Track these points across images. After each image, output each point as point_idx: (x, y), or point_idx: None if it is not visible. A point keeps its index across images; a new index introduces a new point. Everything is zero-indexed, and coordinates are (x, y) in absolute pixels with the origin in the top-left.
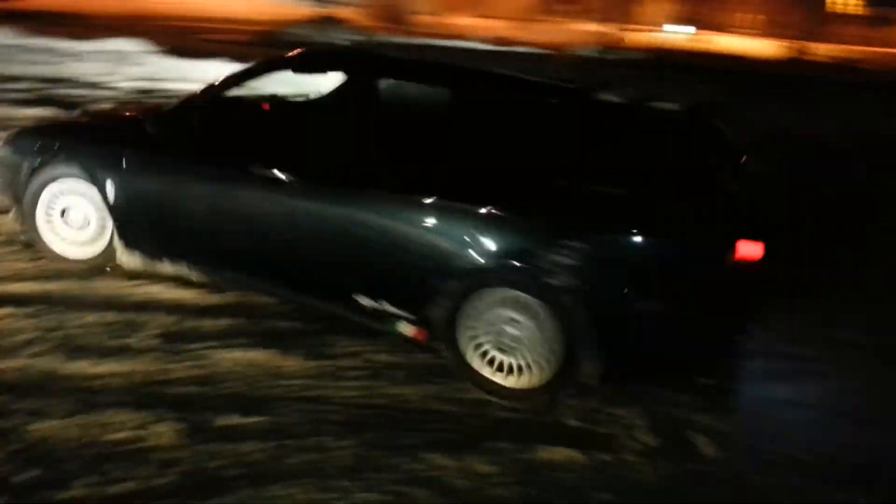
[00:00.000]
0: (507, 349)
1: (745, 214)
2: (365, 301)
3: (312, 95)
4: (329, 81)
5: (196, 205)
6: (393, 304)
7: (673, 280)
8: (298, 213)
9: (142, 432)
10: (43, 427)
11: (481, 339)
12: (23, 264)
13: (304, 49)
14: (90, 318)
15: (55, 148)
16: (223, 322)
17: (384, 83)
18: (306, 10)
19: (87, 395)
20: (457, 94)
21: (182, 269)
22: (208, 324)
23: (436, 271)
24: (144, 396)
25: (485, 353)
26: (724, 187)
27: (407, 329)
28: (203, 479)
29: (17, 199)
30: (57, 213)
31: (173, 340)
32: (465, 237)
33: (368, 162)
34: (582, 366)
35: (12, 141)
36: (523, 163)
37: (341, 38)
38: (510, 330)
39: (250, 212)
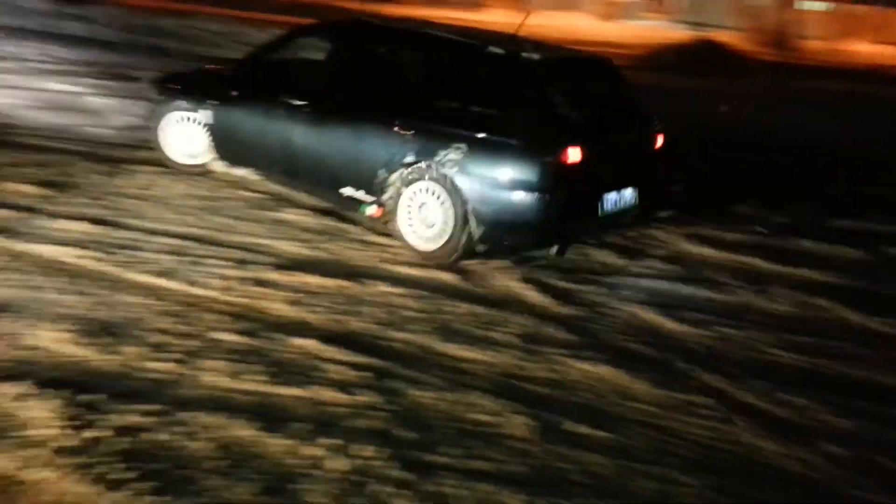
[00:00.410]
0: (426, 220)
1: (573, 130)
2: (347, 192)
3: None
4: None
5: (251, 127)
6: (362, 192)
7: (519, 172)
8: (310, 132)
9: (499, 419)
10: (419, 395)
11: (409, 211)
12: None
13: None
14: (463, 308)
15: (173, 89)
16: (575, 334)
17: (363, 46)
18: (681, 34)
19: (456, 375)
20: (406, 53)
21: (247, 172)
22: (561, 333)
23: (385, 167)
24: (503, 387)
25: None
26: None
27: (371, 209)
28: (550, 477)
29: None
30: (174, 133)
31: (530, 342)
32: (400, 145)
33: (348, 97)
34: (469, 235)
35: (153, 84)
36: (433, 96)
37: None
38: (424, 203)
39: (281, 131)
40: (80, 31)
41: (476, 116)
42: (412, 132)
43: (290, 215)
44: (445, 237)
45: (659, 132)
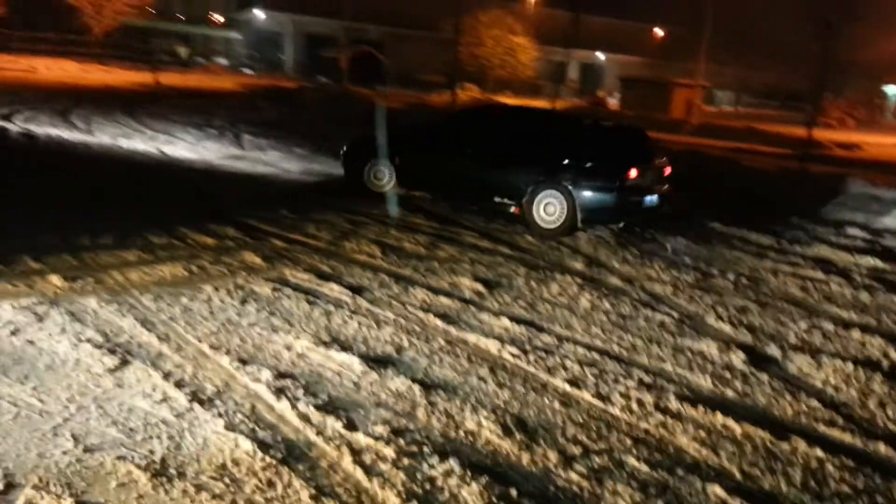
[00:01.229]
0: (549, 213)
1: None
2: (497, 199)
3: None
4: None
5: (432, 165)
6: (509, 200)
7: (607, 183)
8: (478, 167)
9: None
10: None
11: (540, 209)
12: None
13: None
14: None
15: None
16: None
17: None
18: None
19: None
20: (532, 122)
21: (422, 193)
22: None
23: (525, 186)
24: None
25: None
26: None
27: (513, 209)
28: None
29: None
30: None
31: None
32: (536, 174)
33: (500, 148)
34: (575, 220)
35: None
36: (558, 153)
37: None
38: (549, 204)
39: (457, 167)
40: None
41: (580, 154)
42: (542, 167)
43: (698, 344)
44: (560, 221)
45: (668, 164)
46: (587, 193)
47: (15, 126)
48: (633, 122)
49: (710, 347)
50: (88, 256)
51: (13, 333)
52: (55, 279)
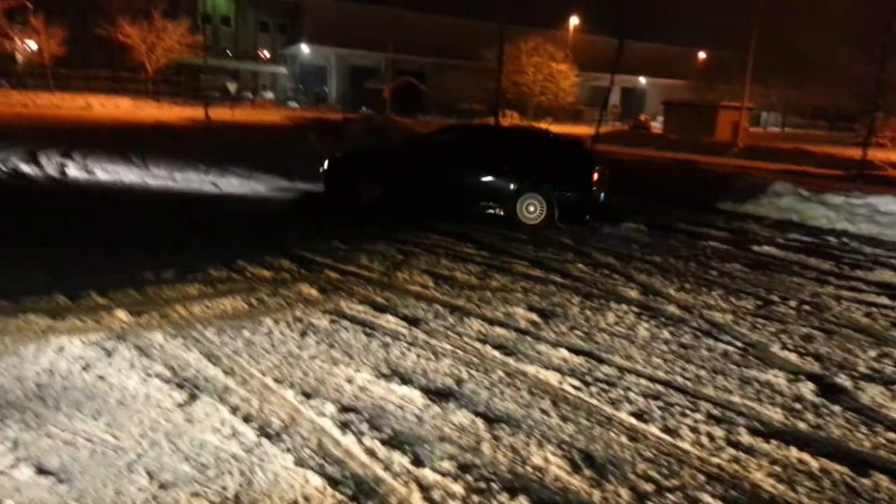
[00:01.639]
0: (530, 211)
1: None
2: (483, 204)
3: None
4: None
5: (422, 177)
6: (494, 204)
7: (576, 189)
8: (469, 177)
9: None
10: None
11: (523, 209)
12: None
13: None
14: None
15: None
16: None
17: (488, 136)
18: None
19: None
20: (503, 139)
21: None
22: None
23: (510, 191)
24: None
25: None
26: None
27: (498, 210)
28: None
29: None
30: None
31: None
32: (518, 182)
33: (486, 161)
34: (553, 217)
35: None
36: (532, 164)
37: None
38: (530, 205)
39: (447, 177)
40: None
41: (554, 164)
42: (523, 176)
43: (765, 374)
44: (541, 218)
45: (604, 169)
46: (562, 195)
47: (73, 162)
48: (574, 137)
49: (777, 378)
50: (152, 291)
51: (84, 369)
52: (121, 314)
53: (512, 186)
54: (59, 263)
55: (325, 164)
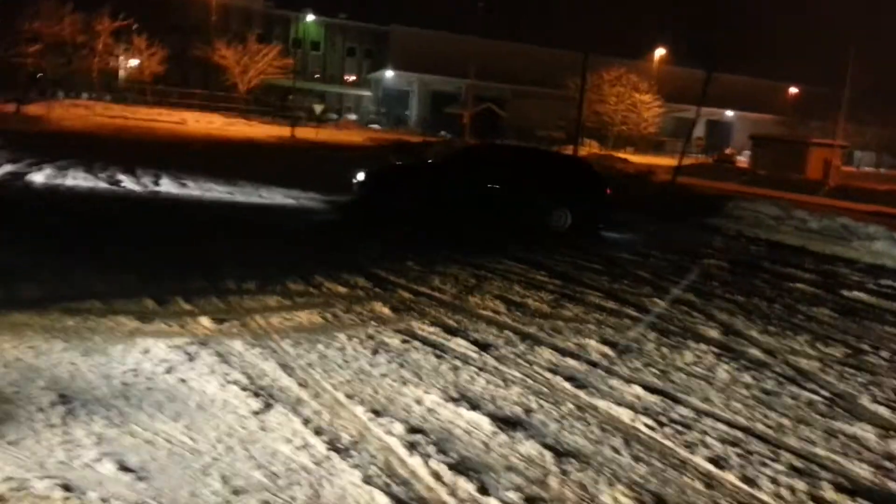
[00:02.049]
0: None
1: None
2: (519, 215)
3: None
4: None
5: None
6: (530, 215)
7: (594, 201)
8: (499, 199)
9: None
10: None
11: (553, 218)
12: None
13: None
14: None
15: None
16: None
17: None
18: None
19: None
20: (528, 158)
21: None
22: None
23: (545, 206)
24: None
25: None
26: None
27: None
28: None
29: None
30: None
31: None
32: (546, 200)
33: (514, 182)
34: (575, 224)
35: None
36: (555, 182)
37: None
38: (559, 216)
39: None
40: (639, 205)
41: (574, 182)
42: (553, 195)
43: (853, 427)
44: (566, 226)
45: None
46: (582, 208)
47: (167, 175)
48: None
49: (866, 432)
50: (234, 300)
51: (167, 371)
52: (205, 321)
53: (545, 202)
54: (151, 269)
55: (360, 176)
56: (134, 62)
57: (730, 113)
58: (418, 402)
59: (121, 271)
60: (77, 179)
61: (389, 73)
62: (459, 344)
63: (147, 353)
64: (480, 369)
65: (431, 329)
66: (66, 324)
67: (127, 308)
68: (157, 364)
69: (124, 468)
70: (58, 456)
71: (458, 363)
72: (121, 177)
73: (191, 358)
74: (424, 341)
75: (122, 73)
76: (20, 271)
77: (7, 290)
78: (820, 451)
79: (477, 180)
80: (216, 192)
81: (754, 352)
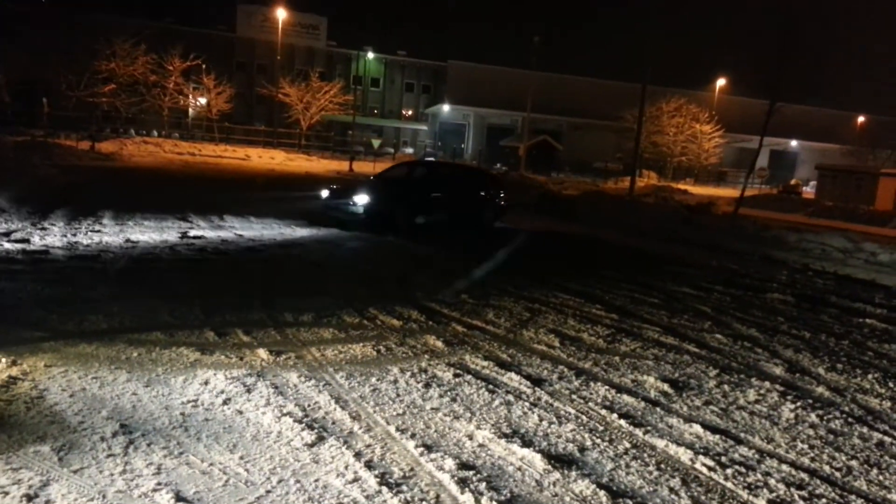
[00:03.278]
0: (487, 218)
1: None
2: (461, 213)
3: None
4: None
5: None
6: (470, 213)
7: (494, 202)
8: (440, 201)
9: None
10: None
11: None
12: None
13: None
14: None
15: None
16: None
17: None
18: None
19: None
20: (454, 172)
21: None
22: None
23: (480, 205)
24: None
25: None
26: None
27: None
28: None
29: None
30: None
31: None
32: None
33: (448, 188)
34: (492, 219)
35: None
36: (469, 191)
37: None
38: (488, 215)
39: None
40: (695, 237)
41: (489, 188)
42: (483, 199)
43: None
44: (492, 222)
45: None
46: (497, 207)
47: (231, 216)
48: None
49: None
50: (291, 332)
51: (225, 403)
52: (262, 353)
53: (480, 202)
54: (213, 302)
55: (325, 192)
56: (202, 100)
57: (794, 143)
58: (470, 437)
59: (185, 303)
60: (147, 230)
61: (446, 108)
62: (512, 378)
63: (206, 385)
64: (533, 405)
65: (484, 363)
66: (131, 355)
67: (188, 339)
68: (216, 395)
69: (181, 498)
70: (118, 485)
71: (510, 398)
72: (191, 216)
73: (248, 389)
74: (477, 375)
75: (191, 111)
76: (90, 303)
77: (77, 323)
78: (893, 497)
79: (432, 189)
80: (275, 228)
81: (821, 390)
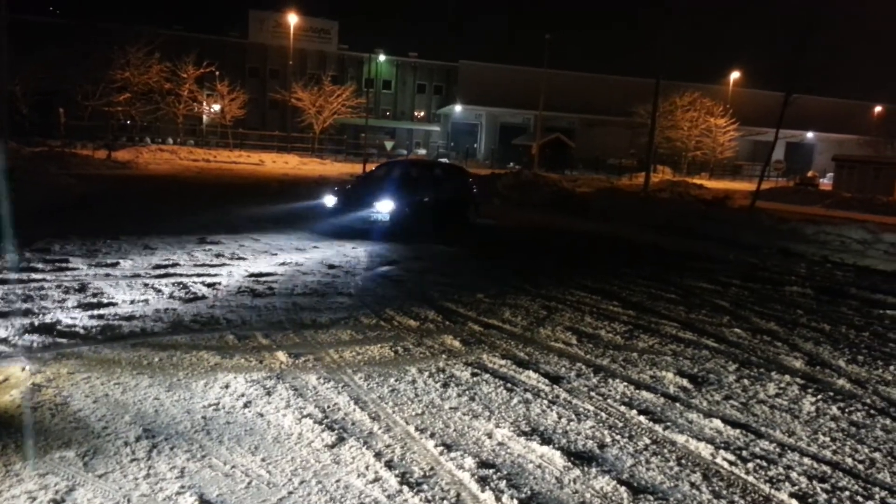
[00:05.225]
0: (471, 215)
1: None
2: (448, 211)
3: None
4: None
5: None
6: (456, 210)
7: (469, 198)
8: (420, 198)
9: None
10: None
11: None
12: None
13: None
14: None
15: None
16: None
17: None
18: None
19: None
20: (432, 169)
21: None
22: None
23: (464, 203)
24: None
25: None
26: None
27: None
28: None
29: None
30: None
31: None
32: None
33: (424, 183)
34: (475, 216)
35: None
36: (443, 186)
37: None
38: (471, 213)
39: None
40: (712, 231)
41: (459, 179)
42: (466, 197)
43: None
44: (475, 219)
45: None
46: (477, 204)
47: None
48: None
49: None
50: (309, 334)
51: (245, 406)
52: (281, 355)
53: (464, 200)
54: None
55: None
56: (216, 107)
57: (810, 134)
58: (489, 435)
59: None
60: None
61: (458, 108)
62: (530, 377)
63: (227, 388)
64: (552, 402)
65: (502, 362)
66: (152, 360)
67: (209, 343)
68: (237, 398)
69: (205, 501)
70: (142, 489)
71: (529, 396)
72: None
73: (268, 392)
74: (495, 374)
75: (205, 118)
76: (116, 306)
77: (100, 329)
78: None
79: (419, 188)
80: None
81: (842, 382)
